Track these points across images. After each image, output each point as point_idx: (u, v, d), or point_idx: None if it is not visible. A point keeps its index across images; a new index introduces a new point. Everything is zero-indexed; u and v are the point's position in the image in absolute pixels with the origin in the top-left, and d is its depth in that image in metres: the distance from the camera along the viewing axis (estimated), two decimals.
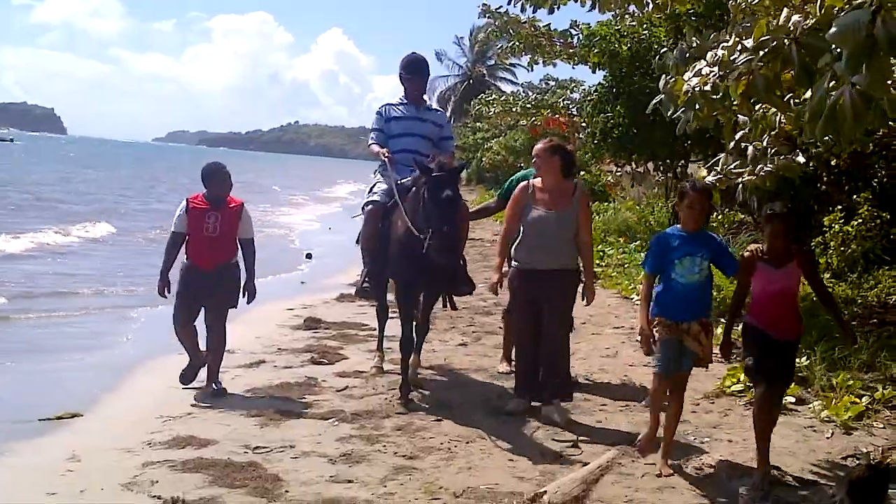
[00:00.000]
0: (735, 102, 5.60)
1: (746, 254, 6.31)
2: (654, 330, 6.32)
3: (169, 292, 8.16)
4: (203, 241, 8.02)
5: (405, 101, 8.95)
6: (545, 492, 5.51)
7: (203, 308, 8.16)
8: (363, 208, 8.68)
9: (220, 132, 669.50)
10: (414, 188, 7.77)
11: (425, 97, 9.30)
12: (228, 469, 6.02)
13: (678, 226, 6.47)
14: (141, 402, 7.87)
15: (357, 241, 9.00)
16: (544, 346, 7.57)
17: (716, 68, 5.60)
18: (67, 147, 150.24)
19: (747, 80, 5.08)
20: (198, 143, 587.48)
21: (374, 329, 11.12)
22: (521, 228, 7.54)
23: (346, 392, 8.20)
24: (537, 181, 7.63)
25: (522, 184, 7.77)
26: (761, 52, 4.85)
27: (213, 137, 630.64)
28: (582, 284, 7.61)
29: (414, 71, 8.95)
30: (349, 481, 5.91)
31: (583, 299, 7.59)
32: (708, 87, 5.73)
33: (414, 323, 8.21)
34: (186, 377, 8.31)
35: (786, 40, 4.63)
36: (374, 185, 8.79)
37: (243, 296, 8.24)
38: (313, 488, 5.73)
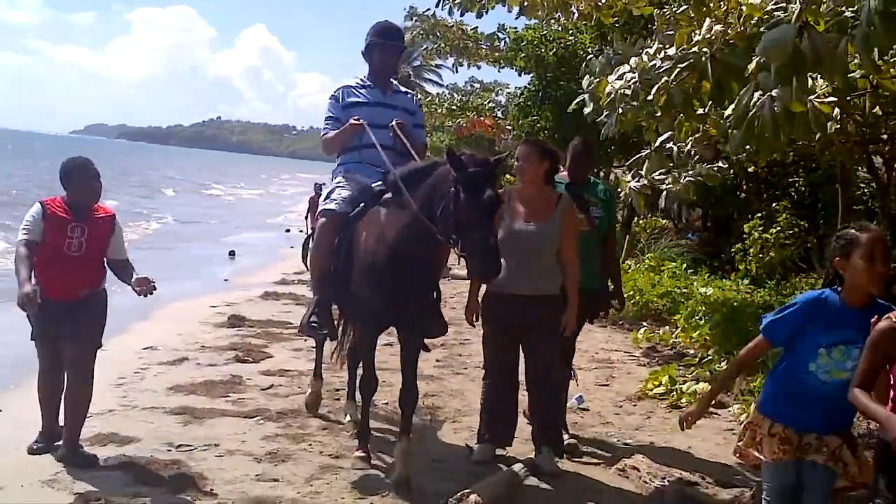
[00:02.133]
0: (656, 110, 5.71)
1: (886, 324, 3.88)
2: (759, 440, 4.38)
3: (41, 298, 5.68)
4: (64, 263, 5.93)
5: (368, 83, 7.03)
6: (471, 491, 5.54)
7: (62, 350, 6.05)
8: (315, 218, 6.99)
9: (140, 126, 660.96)
10: (385, 195, 6.16)
11: (393, 79, 7.26)
12: (151, 467, 5.92)
13: (839, 292, 4.18)
14: None
15: (305, 260, 7.35)
16: (529, 387, 6.52)
17: (636, 74, 5.72)
18: None
19: (666, 91, 5.18)
20: (117, 136, 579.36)
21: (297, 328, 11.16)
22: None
23: (271, 391, 8.14)
24: (517, 189, 6.62)
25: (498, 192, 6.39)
26: (679, 66, 4.95)
27: (132, 131, 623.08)
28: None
29: (389, 37, 7.05)
30: (275, 480, 5.86)
31: (561, 325, 6.35)
32: (629, 92, 5.85)
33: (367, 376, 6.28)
34: (39, 448, 6.21)
35: (702, 56, 4.74)
36: (333, 189, 6.70)
37: (143, 294, 6.04)
38: (239, 487, 5.68)
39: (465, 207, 5.36)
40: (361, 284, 6.07)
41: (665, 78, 5.10)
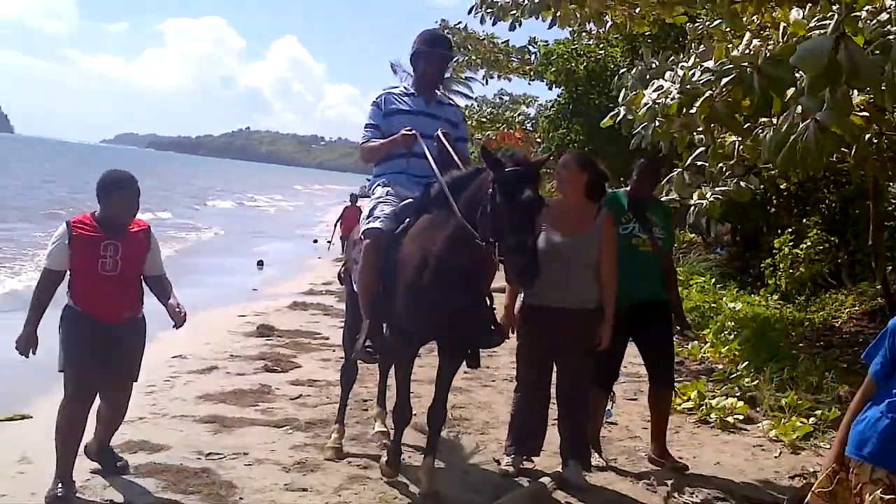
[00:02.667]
0: (697, 124, 5.69)
1: None
2: (858, 486, 3.81)
3: (34, 351, 5.54)
4: (100, 284, 5.54)
5: (412, 92, 6.66)
6: (501, 503, 5.54)
7: (102, 375, 5.66)
8: (358, 239, 6.36)
9: (169, 135, 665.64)
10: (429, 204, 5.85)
11: (438, 90, 6.85)
12: (181, 475, 5.94)
13: None
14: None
15: (346, 285, 6.93)
16: (561, 401, 6.42)
17: (677, 85, 5.70)
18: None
19: (710, 104, 5.16)
20: (147, 145, 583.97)
21: (328, 338, 11.19)
22: None
23: (299, 400, 8.16)
24: (557, 200, 6.54)
25: None
26: (724, 80, 4.93)
27: (162, 141, 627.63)
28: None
29: (435, 44, 6.64)
30: (303, 490, 5.87)
31: (595, 340, 6.20)
32: (668, 101, 5.83)
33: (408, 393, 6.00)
34: (63, 494, 5.41)
35: (748, 69, 4.72)
36: (375, 206, 6.26)
37: (176, 327, 5.82)
38: (268, 496, 5.70)
39: (502, 208, 5.08)
40: (404, 298, 5.72)
41: (709, 91, 5.08)
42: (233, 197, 63.03)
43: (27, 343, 5.51)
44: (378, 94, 6.71)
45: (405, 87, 6.74)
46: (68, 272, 5.57)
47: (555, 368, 6.44)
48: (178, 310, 5.71)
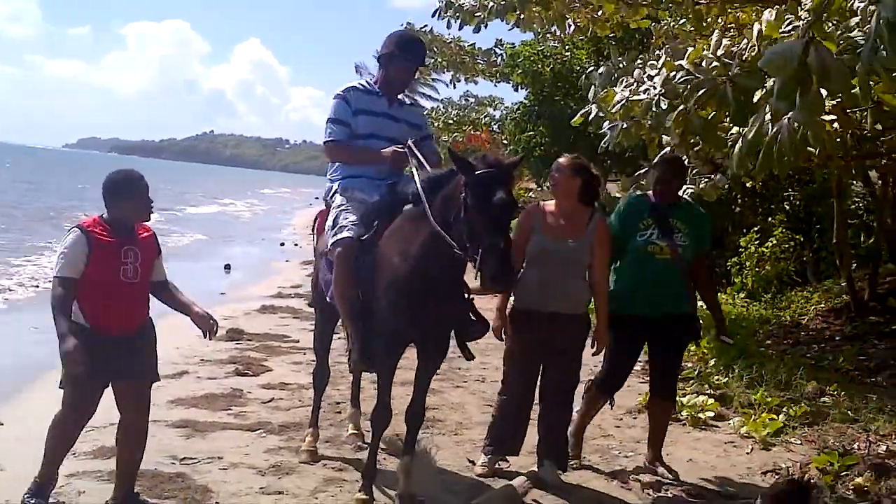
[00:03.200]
0: (674, 138, 5.72)
1: None
2: None
3: (82, 362, 4.88)
4: (120, 293, 5.15)
5: (375, 90, 6.54)
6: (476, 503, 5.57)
7: (115, 391, 5.40)
8: (327, 250, 6.18)
9: (132, 139, 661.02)
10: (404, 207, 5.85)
11: (402, 95, 6.71)
12: (156, 480, 5.93)
13: None
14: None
15: (318, 300, 6.75)
16: (544, 403, 6.44)
17: (656, 83, 5.71)
18: None
19: (684, 116, 5.19)
20: (109, 150, 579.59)
21: (298, 341, 11.16)
22: (525, 260, 6.20)
23: (272, 404, 8.15)
24: (549, 204, 6.39)
25: (530, 206, 6.58)
26: (698, 92, 4.95)
27: (125, 145, 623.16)
28: (592, 330, 6.33)
29: (411, 54, 6.49)
30: (279, 493, 5.88)
31: (592, 346, 6.29)
32: (640, 98, 5.84)
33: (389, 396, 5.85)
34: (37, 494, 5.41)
35: (720, 81, 4.76)
36: (338, 215, 6.17)
37: (205, 336, 5.64)
38: (243, 500, 5.70)
39: (474, 211, 5.02)
40: (385, 301, 5.64)
41: (683, 104, 5.10)
42: (207, 201, 62.61)
43: (75, 355, 4.84)
44: (344, 88, 6.54)
45: (367, 83, 6.65)
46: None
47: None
48: (204, 316, 5.51)
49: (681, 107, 5.13)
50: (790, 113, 3.68)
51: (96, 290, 5.05)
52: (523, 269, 6.12)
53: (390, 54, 6.45)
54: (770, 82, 4.11)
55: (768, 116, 4.05)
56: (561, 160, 6.31)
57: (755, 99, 4.52)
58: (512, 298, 6.24)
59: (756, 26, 5.01)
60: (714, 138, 5.57)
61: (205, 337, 5.55)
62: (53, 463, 5.41)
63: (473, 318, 5.97)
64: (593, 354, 6.34)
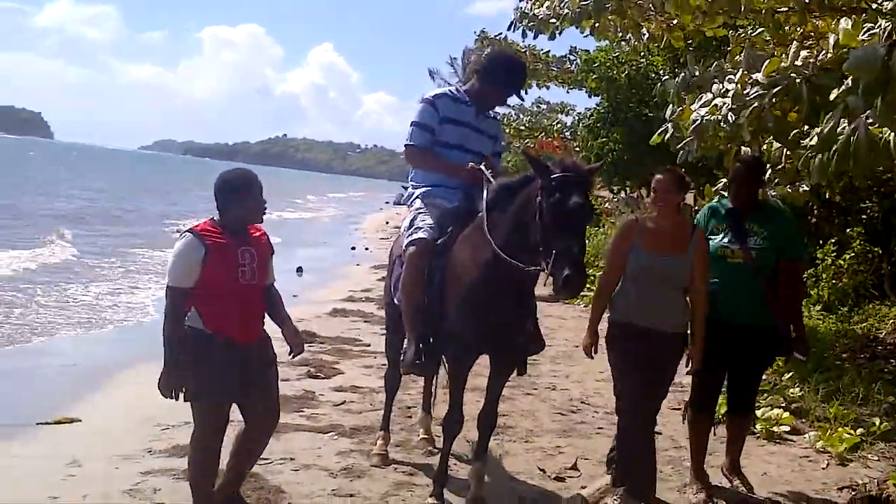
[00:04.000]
0: (745, 136, 5.65)
1: None
2: None
3: (188, 390, 5.00)
4: (240, 297, 4.96)
5: (465, 99, 6.47)
6: None
7: (241, 407, 5.24)
8: (402, 251, 6.20)
9: (206, 142, 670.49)
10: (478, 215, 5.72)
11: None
12: None
13: None
14: (134, 409, 7.82)
15: (391, 299, 6.53)
16: None
17: (728, 100, 5.67)
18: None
19: (758, 115, 5.14)
20: (184, 152, 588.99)
21: (369, 345, 11.21)
22: (624, 276, 5.92)
23: (343, 406, 8.22)
24: (649, 219, 6.04)
25: (629, 220, 6.35)
26: (774, 90, 4.90)
27: (198, 147, 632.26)
28: (689, 349, 5.92)
29: (513, 85, 6.48)
30: (350, 495, 5.94)
31: (686, 364, 5.93)
32: (717, 118, 5.80)
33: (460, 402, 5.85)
34: None
35: (797, 79, 4.70)
36: (416, 217, 6.22)
37: (291, 353, 5.42)
38: (316, 501, 5.77)
39: (548, 215, 4.97)
40: (456, 312, 5.63)
41: (756, 103, 5.06)
42: (280, 204, 63.47)
43: (171, 384, 4.93)
44: (434, 94, 6.49)
45: (457, 91, 6.60)
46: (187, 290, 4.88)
47: None
48: (296, 334, 5.34)
49: (755, 104, 5.06)
50: (867, 111, 3.62)
51: (217, 294, 4.88)
52: (622, 283, 5.89)
53: (490, 79, 6.37)
54: (848, 81, 4.04)
55: (844, 116, 3.99)
56: (660, 175, 5.90)
57: (832, 97, 4.45)
58: (608, 314, 5.99)
59: (832, 37, 4.94)
60: (787, 137, 5.48)
61: (290, 354, 5.39)
62: (205, 497, 5.20)
63: (535, 332, 5.98)
64: (688, 373, 6.05)
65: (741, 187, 6.25)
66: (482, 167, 6.02)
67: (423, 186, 6.43)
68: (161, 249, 21.09)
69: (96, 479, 5.95)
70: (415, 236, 6.02)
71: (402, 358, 6.16)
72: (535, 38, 9.48)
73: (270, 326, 5.22)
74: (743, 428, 6.67)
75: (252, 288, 5.02)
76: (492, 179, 5.84)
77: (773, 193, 7.31)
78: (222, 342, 4.91)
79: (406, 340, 6.01)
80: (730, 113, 5.55)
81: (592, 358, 6.05)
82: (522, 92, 6.73)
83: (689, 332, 5.86)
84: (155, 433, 7.05)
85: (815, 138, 4.51)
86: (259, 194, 5.06)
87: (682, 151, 6.88)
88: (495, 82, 6.37)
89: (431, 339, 5.94)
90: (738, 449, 6.63)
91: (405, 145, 6.46)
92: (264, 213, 5.16)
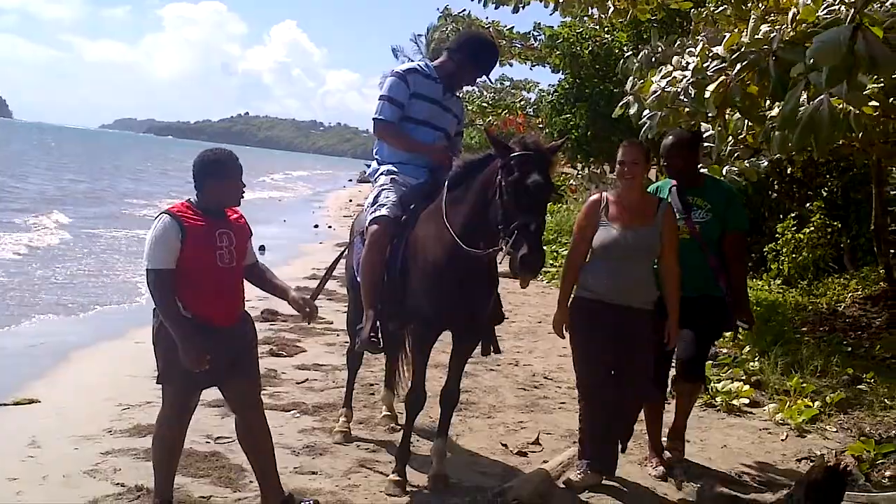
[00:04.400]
0: (708, 110, 5.64)
1: None
2: None
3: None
4: (218, 279, 4.86)
5: (435, 77, 6.40)
6: (510, 486, 5.57)
7: (222, 391, 5.16)
8: (363, 228, 6.14)
9: (168, 121, 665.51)
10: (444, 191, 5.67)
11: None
12: (191, 458, 5.97)
13: None
14: (95, 389, 7.79)
15: (353, 276, 6.50)
16: (618, 412, 5.99)
17: (689, 73, 5.66)
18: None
19: (723, 89, 5.13)
20: (145, 130, 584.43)
21: (332, 322, 11.17)
22: (592, 251, 5.94)
23: (306, 384, 8.19)
24: (613, 193, 6.02)
25: (594, 197, 6.10)
26: (739, 65, 4.90)
27: (160, 126, 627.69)
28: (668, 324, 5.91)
29: (484, 66, 6.47)
30: (313, 473, 5.93)
31: (665, 340, 5.89)
32: (676, 89, 5.79)
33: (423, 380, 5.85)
34: None
35: (763, 53, 4.70)
36: (379, 193, 6.17)
37: (305, 320, 5.44)
38: None
39: (508, 193, 4.97)
40: (418, 290, 5.63)
41: (722, 77, 5.05)
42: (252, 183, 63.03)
43: (192, 357, 4.70)
44: (405, 68, 6.44)
45: (427, 66, 6.50)
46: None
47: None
48: (302, 301, 5.22)
49: (721, 78, 5.06)
50: (833, 90, 3.64)
51: (194, 277, 4.76)
52: (589, 259, 5.93)
53: (462, 58, 6.36)
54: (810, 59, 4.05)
55: (804, 94, 4.00)
56: (631, 149, 5.86)
57: (793, 73, 4.46)
58: (576, 289, 5.97)
59: (792, 10, 4.95)
60: (753, 112, 5.48)
61: (304, 321, 5.36)
62: (167, 475, 5.09)
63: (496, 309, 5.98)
64: (668, 348, 6.02)
65: (673, 160, 6.34)
66: (449, 153, 6.06)
67: (389, 163, 6.37)
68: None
69: (56, 460, 5.89)
70: (377, 213, 5.97)
71: (357, 335, 6.12)
72: (496, 8, 9.44)
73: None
74: (692, 394, 6.61)
75: (230, 270, 4.90)
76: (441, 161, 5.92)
77: (733, 168, 7.32)
78: (200, 325, 4.78)
79: (364, 317, 5.94)
80: (690, 86, 5.54)
81: (563, 337, 6.08)
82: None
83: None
84: (115, 413, 6.99)
85: (778, 112, 4.51)
86: (238, 177, 4.94)
87: (644, 128, 6.87)
88: (465, 62, 6.35)
89: (390, 317, 5.95)
90: (684, 415, 6.60)
91: (374, 119, 6.38)
92: (242, 196, 5.02)
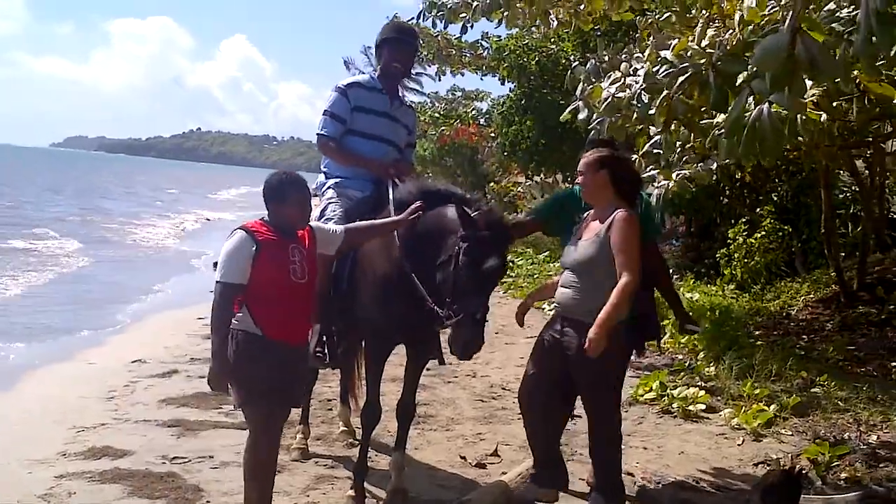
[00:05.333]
0: (657, 124, 5.66)
1: None
2: None
3: (236, 393, 4.80)
4: (291, 295, 4.77)
5: (377, 86, 6.41)
6: (469, 499, 5.56)
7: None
8: None
9: (119, 138, 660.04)
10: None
11: (402, 88, 6.65)
12: (147, 480, 5.92)
13: None
14: (46, 411, 7.68)
15: None
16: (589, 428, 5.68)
17: (639, 79, 5.69)
18: None
19: (668, 102, 5.17)
20: (97, 148, 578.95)
21: None
22: None
23: None
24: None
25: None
26: (681, 78, 4.94)
27: (112, 143, 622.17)
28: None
29: (408, 36, 6.46)
30: None
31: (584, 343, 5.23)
32: (626, 94, 5.81)
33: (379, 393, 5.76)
34: None
35: (703, 67, 4.74)
36: (326, 207, 6.21)
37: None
38: (235, 498, 5.66)
39: (464, 269, 4.89)
40: (369, 304, 5.57)
41: (666, 91, 5.08)
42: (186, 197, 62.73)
43: (224, 379, 4.69)
44: (346, 82, 6.39)
45: (371, 78, 6.47)
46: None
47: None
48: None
49: (664, 93, 5.09)
50: (772, 97, 3.67)
51: (267, 292, 4.69)
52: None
53: (382, 41, 6.39)
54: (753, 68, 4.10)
55: (751, 99, 4.03)
56: (583, 155, 5.62)
57: (737, 82, 4.51)
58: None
59: (738, 14, 5.00)
60: (697, 125, 5.53)
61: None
62: (263, 499, 4.98)
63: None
64: (588, 353, 5.31)
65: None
66: (392, 168, 6.07)
67: (335, 176, 6.37)
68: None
69: (9, 483, 5.81)
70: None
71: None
72: (445, 27, 9.48)
73: None
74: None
75: (302, 286, 4.81)
76: (399, 181, 5.84)
77: (684, 172, 7.32)
78: (275, 344, 4.72)
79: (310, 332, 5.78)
80: (642, 92, 5.56)
81: (522, 326, 6.16)
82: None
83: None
84: (69, 436, 6.90)
85: (724, 120, 4.55)
86: (302, 199, 4.86)
87: (592, 133, 6.89)
88: (388, 43, 6.37)
89: (341, 333, 5.94)
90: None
91: (317, 134, 6.38)
92: (309, 217, 5.00)
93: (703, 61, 4.74)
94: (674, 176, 7.05)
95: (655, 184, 7.19)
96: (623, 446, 6.69)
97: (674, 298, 6.39)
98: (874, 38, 3.05)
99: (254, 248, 4.64)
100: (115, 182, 78.30)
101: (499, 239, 4.99)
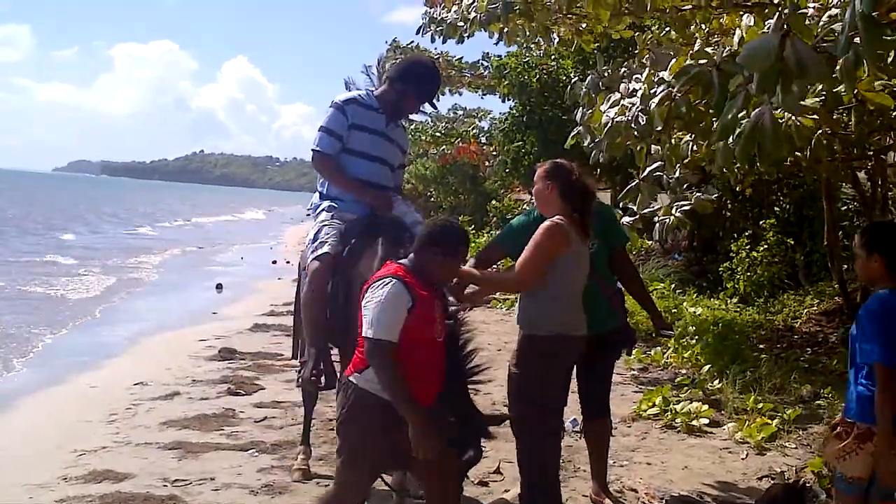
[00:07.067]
0: (657, 129, 5.65)
1: None
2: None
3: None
4: (431, 355, 4.39)
5: (375, 106, 6.31)
6: None
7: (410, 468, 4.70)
8: (305, 266, 5.99)
9: (123, 161, 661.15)
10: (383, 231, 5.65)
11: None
12: (148, 503, 5.90)
13: None
14: (46, 436, 7.67)
15: (296, 313, 6.65)
16: None
17: (637, 100, 5.69)
18: None
19: (669, 104, 5.16)
20: (100, 172, 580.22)
21: (291, 359, 11.08)
22: None
23: (264, 423, 8.10)
24: None
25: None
26: (683, 78, 4.93)
27: (116, 167, 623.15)
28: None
29: (425, 92, 6.35)
30: None
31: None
32: (626, 118, 5.82)
33: None
34: None
35: (707, 66, 4.74)
36: (320, 230, 5.99)
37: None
38: None
39: None
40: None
41: (666, 92, 5.09)
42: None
43: (433, 439, 4.19)
44: (343, 98, 6.31)
45: (368, 95, 6.40)
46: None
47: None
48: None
49: (665, 91, 5.09)
50: (773, 99, 3.66)
51: (411, 351, 4.22)
52: None
53: (403, 87, 6.22)
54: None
55: (743, 101, 4.03)
56: (537, 171, 5.53)
57: (731, 86, 4.50)
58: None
59: (738, 32, 5.00)
60: (696, 125, 5.51)
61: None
62: None
63: None
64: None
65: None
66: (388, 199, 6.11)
67: (331, 197, 6.30)
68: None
69: None
70: (319, 252, 5.80)
71: (300, 373, 6.03)
72: (443, 42, 9.49)
73: None
74: (604, 436, 6.33)
75: (440, 345, 4.43)
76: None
77: (683, 204, 7.24)
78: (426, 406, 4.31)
79: (307, 355, 5.83)
80: (640, 114, 5.56)
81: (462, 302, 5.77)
82: (435, 100, 6.66)
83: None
84: (70, 460, 6.88)
85: (718, 123, 4.54)
86: (463, 256, 4.61)
87: (594, 152, 6.90)
88: (406, 90, 6.22)
89: (342, 353, 5.75)
90: (604, 464, 6.32)
91: (312, 150, 6.28)
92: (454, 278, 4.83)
93: (705, 62, 4.74)
94: (674, 211, 7.04)
95: (657, 218, 7.19)
96: (626, 462, 6.71)
97: (648, 302, 6.41)
98: (857, 40, 3.07)
99: (410, 303, 4.21)
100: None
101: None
